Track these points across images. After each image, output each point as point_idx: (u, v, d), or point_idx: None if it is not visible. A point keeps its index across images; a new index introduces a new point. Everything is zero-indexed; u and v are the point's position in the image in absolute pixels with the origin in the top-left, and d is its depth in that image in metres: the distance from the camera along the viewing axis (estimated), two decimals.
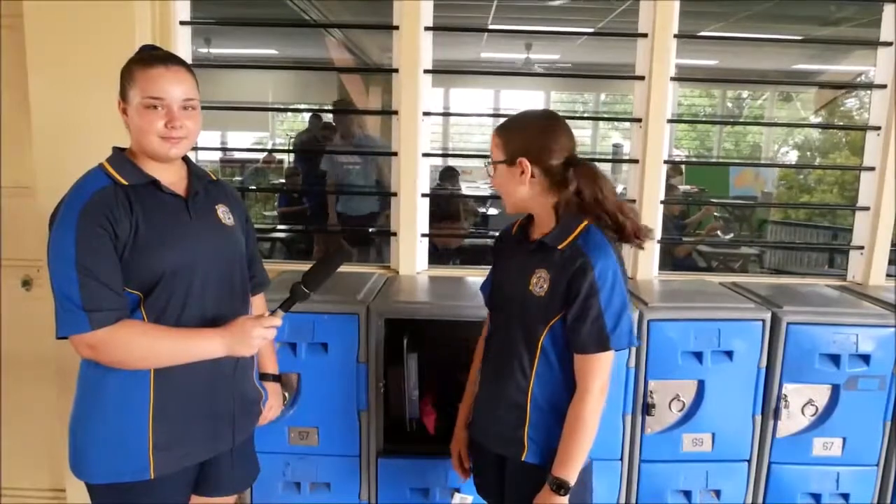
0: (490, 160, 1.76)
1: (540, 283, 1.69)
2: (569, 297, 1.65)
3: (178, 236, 1.63)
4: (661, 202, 2.94)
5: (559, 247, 1.68)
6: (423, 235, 2.96)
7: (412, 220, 2.89)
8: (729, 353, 2.34)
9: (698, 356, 2.33)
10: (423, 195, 2.93)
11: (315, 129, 5.59)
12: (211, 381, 1.69)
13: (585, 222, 1.69)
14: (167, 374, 1.61)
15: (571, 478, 1.66)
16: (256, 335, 1.66)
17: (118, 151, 1.68)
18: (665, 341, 2.33)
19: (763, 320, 2.34)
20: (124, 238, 1.55)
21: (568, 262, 1.65)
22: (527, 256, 1.76)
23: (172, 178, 1.69)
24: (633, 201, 2.94)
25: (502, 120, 1.80)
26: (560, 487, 1.65)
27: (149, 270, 1.58)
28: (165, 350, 1.59)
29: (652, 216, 2.90)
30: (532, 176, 1.69)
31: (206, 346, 1.63)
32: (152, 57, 1.63)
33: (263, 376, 1.98)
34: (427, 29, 2.81)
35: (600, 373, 1.66)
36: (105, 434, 1.61)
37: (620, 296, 1.65)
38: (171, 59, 1.64)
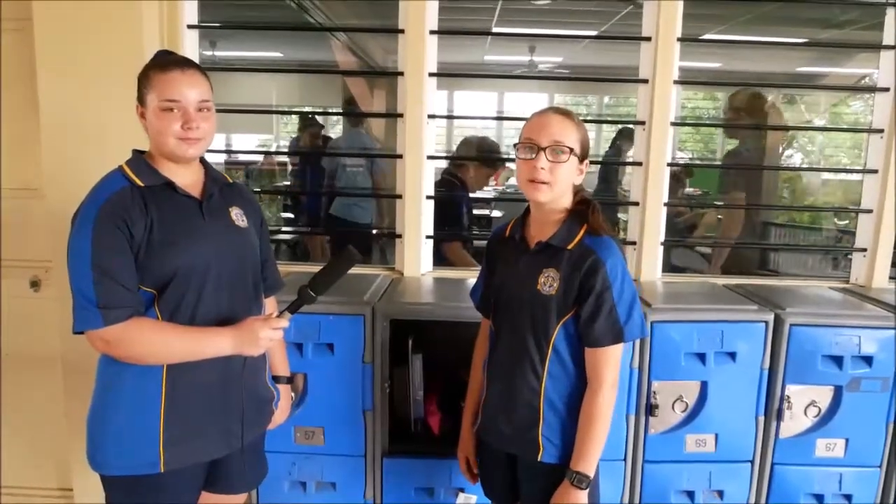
0: (563, 145, 1.68)
1: (549, 282, 1.73)
2: (581, 294, 1.69)
3: (190, 237, 1.67)
4: (665, 205, 2.95)
5: (568, 247, 1.72)
6: (428, 237, 2.98)
7: (417, 222, 2.91)
8: (732, 355, 2.36)
9: (701, 357, 2.35)
10: (428, 197, 2.95)
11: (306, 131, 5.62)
12: (221, 378, 1.73)
13: (587, 224, 1.74)
14: (178, 371, 1.65)
15: (591, 471, 1.70)
16: (263, 336, 1.69)
17: (137, 154, 1.73)
18: (668, 342, 2.34)
19: (766, 322, 2.36)
20: (139, 238, 1.59)
21: (579, 261, 1.70)
22: (531, 257, 1.79)
23: (189, 180, 1.73)
24: (637, 203, 2.95)
25: (561, 109, 1.78)
26: (581, 481, 1.68)
27: (162, 269, 1.62)
28: (176, 346, 1.63)
29: (655, 219, 2.93)
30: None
31: (215, 343, 1.66)
32: (168, 61, 1.68)
33: (276, 378, 2.02)
34: (432, 32, 2.82)
35: (613, 365, 1.71)
36: (119, 428, 1.65)
37: (630, 289, 1.71)
38: (186, 63, 1.69)
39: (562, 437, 1.75)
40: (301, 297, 1.72)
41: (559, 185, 1.71)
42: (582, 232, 1.73)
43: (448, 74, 3.12)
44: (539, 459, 1.76)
